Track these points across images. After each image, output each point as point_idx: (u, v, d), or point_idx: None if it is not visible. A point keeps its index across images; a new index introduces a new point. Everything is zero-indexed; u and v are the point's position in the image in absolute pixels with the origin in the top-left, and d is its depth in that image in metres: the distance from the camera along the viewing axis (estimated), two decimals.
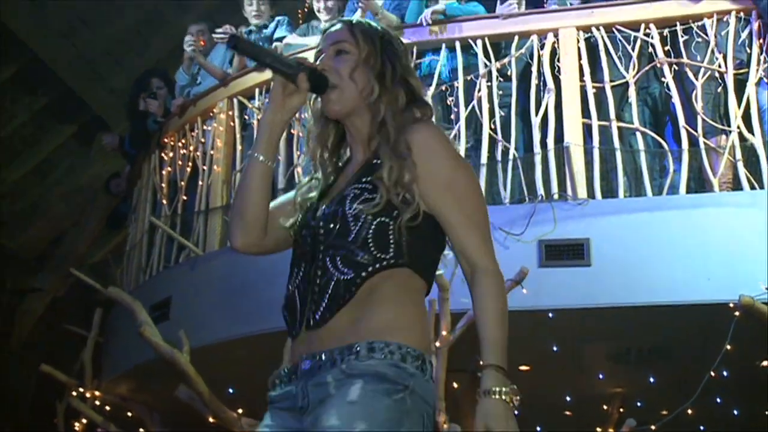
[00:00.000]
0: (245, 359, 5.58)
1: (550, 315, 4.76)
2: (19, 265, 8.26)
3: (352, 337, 1.95)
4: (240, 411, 5.53)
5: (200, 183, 6.18)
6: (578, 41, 5.23)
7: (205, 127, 6.37)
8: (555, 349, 5.17)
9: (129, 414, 6.62)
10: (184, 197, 6.36)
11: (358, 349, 1.92)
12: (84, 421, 6.59)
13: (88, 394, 6.53)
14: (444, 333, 4.55)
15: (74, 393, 6.51)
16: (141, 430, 6.57)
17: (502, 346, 1.96)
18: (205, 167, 6.20)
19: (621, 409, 5.46)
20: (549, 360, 5.32)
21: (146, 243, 6.61)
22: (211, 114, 6.33)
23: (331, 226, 2.05)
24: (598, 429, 5.28)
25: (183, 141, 6.54)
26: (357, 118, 2.15)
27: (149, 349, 5.43)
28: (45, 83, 8.09)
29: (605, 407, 5.71)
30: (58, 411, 6.68)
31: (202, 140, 6.34)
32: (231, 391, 5.80)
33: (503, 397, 1.89)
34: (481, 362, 1.95)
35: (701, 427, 5.96)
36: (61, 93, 8.20)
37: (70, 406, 6.54)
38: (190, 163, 6.40)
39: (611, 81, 5.11)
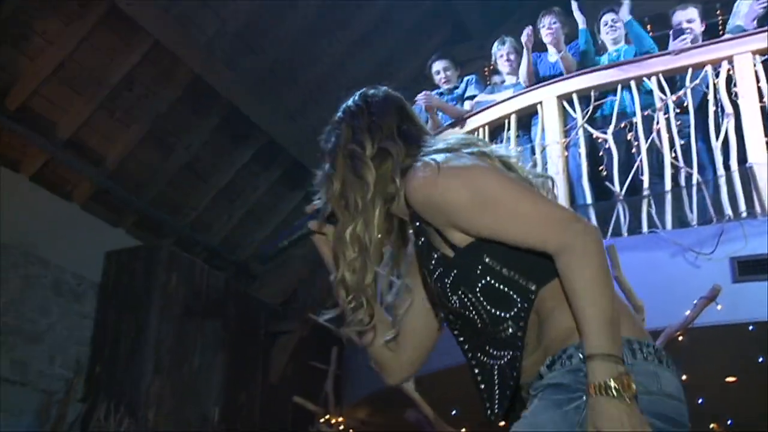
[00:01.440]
0: (464, 384, 5.52)
1: (750, 328, 4.49)
2: (269, 312, 8.58)
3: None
4: (463, 430, 5.50)
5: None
6: (755, 64, 4.91)
7: None
8: (761, 360, 4.83)
9: None
10: None
11: (540, 371, 1.65)
12: None
13: (333, 420, 6.65)
14: None
15: (322, 420, 6.66)
16: None
17: (599, 325, 1.51)
18: None
19: None
20: (756, 371, 4.97)
21: None
22: None
23: (459, 323, 1.80)
24: None
25: None
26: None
27: (379, 379, 5.48)
28: (278, 159, 8.47)
29: None
30: None
31: None
32: (454, 412, 5.74)
33: (612, 391, 1.46)
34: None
35: None
36: (291, 166, 8.54)
37: (320, 431, 6.68)
38: None
39: None
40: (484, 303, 1.68)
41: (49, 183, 7.09)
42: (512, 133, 5.58)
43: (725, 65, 4.97)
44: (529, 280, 1.66)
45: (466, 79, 6.41)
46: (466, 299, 1.70)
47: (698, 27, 5.45)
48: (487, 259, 1.67)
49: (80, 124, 6.99)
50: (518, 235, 1.62)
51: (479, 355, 1.77)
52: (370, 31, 8.32)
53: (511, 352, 1.69)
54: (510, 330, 1.67)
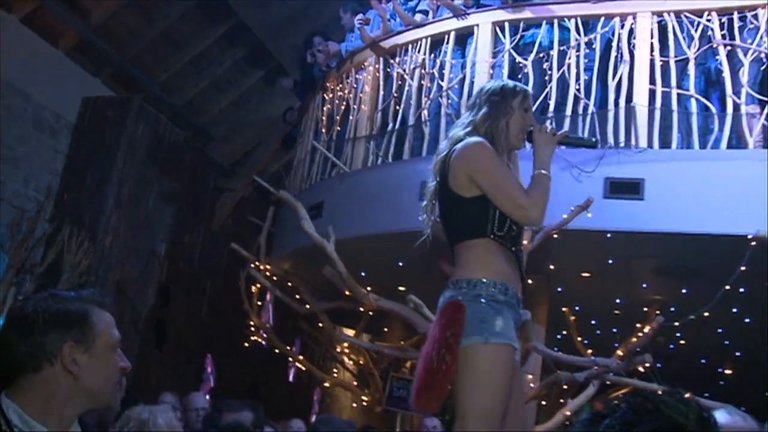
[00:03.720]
0: (375, 250, 5.74)
1: (608, 236, 4.74)
2: (219, 170, 8.56)
3: None
4: (369, 288, 5.69)
5: (351, 118, 6.31)
6: (652, 23, 5.05)
7: (357, 76, 6.46)
8: (610, 262, 5.14)
9: (289, 284, 6.85)
10: (338, 128, 6.50)
11: None
12: (258, 285, 6.94)
13: (261, 267, 6.81)
14: (525, 242, 4.59)
15: (252, 265, 6.82)
16: (297, 296, 6.82)
17: None
18: (355, 106, 6.32)
19: (658, 312, 5.38)
20: (605, 271, 5.29)
21: (308, 160, 6.79)
22: (362, 66, 6.41)
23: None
24: (638, 325, 5.22)
25: (340, 86, 6.66)
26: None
27: (306, 237, 5.63)
28: (244, 39, 8.33)
29: (645, 309, 5.65)
30: (241, 276, 6.98)
31: (355, 86, 6.44)
32: (363, 274, 5.96)
33: None
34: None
35: (719, 330, 5.85)
36: (254, 46, 8.43)
37: (249, 274, 6.84)
38: (344, 103, 6.53)
39: (675, 57, 4.93)
40: None
41: (38, 27, 6.85)
42: (450, 47, 5.67)
43: (630, 19, 5.08)
44: None
45: None
46: None
47: None
48: None
49: None
50: None
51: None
52: None
53: None
54: None
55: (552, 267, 5.33)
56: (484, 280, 2.38)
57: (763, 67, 4.78)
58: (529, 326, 4.89)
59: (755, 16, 4.81)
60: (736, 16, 4.85)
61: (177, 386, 5.70)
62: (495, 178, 2.46)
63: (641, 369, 4.74)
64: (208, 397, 5.67)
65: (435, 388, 2.35)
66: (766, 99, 4.64)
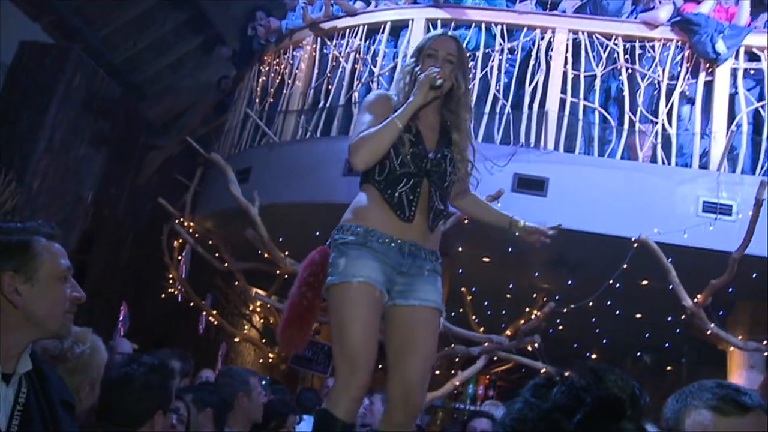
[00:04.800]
0: (295, 218, 5.71)
1: None
2: (150, 128, 8.27)
3: (434, 245, 2.36)
4: (286, 253, 5.68)
5: (284, 92, 6.22)
6: (568, 39, 5.22)
7: (294, 53, 6.37)
8: (510, 250, 5.29)
9: (210, 242, 6.76)
10: (271, 100, 6.40)
11: (437, 255, 2.37)
12: (180, 241, 6.79)
13: (185, 224, 6.68)
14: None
15: (177, 221, 6.67)
16: (217, 254, 6.72)
17: None
18: (289, 81, 6.23)
19: (545, 298, 5.60)
20: (504, 257, 5.45)
21: (240, 127, 6.67)
22: (300, 45, 6.33)
23: (440, 167, 2.34)
24: (527, 309, 5.41)
25: (277, 60, 6.55)
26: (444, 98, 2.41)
27: (232, 199, 5.56)
28: (187, 4, 8.03)
29: (534, 295, 5.85)
30: (164, 231, 6.82)
31: (291, 62, 6.35)
32: (281, 239, 5.93)
33: None
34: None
35: (593, 319, 6.13)
36: (197, 12, 8.14)
37: (173, 230, 6.70)
38: (279, 77, 6.42)
39: (585, 72, 5.11)
40: (450, 188, 2.48)
41: None
42: (384, 36, 5.66)
43: (549, 33, 5.25)
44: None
45: None
46: (453, 176, 2.45)
47: None
48: None
49: None
50: None
51: (431, 187, 2.36)
52: None
53: (443, 209, 2.43)
54: (445, 205, 2.46)
55: (460, 249, 5.43)
56: (343, 226, 2.31)
57: (655, 92, 5.03)
58: None
59: (653, 47, 5.07)
60: (637, 44, 5.08)
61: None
62: (357, 119, 2.38)
63: (529, 348, 4.92)
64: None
65: (296, 324, 2.33)
66: (656, 120, 4.90)
